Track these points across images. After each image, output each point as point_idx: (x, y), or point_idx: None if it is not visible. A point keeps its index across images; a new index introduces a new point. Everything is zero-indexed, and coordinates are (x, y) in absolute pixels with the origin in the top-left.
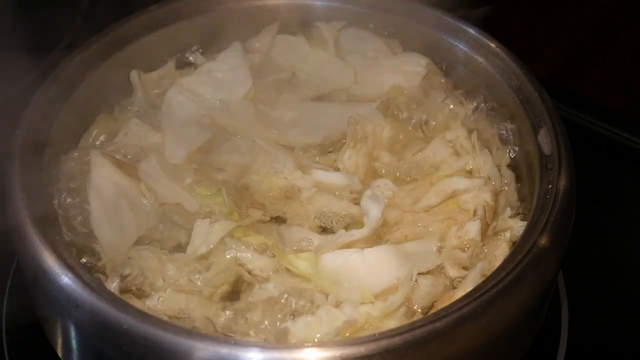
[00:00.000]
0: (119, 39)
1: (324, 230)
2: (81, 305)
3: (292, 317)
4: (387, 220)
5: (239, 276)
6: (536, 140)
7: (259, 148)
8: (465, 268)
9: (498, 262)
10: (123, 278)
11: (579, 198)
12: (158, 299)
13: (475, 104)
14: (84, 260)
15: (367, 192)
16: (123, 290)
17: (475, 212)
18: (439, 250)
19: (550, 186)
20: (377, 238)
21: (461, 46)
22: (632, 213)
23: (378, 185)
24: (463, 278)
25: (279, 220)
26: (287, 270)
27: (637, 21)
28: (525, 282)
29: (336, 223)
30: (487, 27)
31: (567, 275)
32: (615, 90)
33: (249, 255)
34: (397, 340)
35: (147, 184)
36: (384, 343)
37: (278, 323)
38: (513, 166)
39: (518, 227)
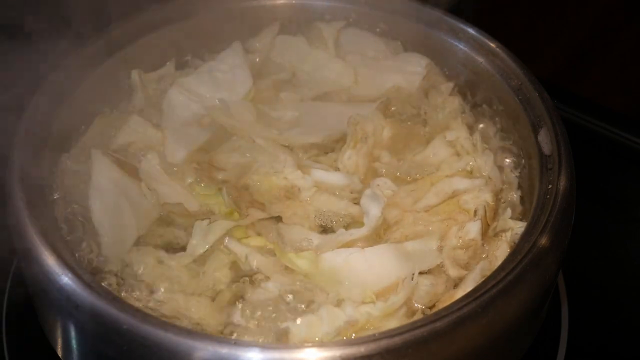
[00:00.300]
0: (119, 39)
1: (324, 230)
2: (81, 305)
3: (293, 316)
4: (387, 220)
5: (238, 276)
6: (536, 140)
7: (259, 148)
8: (465, 268)
9: (498, 262)
10: (123, 278)
11: (579, 198)
12: (158, 299)
13: (475, 104)
14: (84, 260)
15: (367, 192)
16: (122, 290)
17: (475, 212)
18: (440, 249)
19: (550, 186)
20: (377, 237)
21: (461, 46)
22: (632, 213)
23: (378, 185)
24: (463, 278)
25: (278, 220)
26: (288, 269)
27: (637, 21)
28: (525, 282)
29: (336, 223)
30: (487, 27)
31: (567, 275)
32: (615, 90)
33: (249, 254)
34: (397, 340)
35: (147, 184)
36: (384, 343)
37: (278, 322)
38: (513, 166)
39: (518, 227)
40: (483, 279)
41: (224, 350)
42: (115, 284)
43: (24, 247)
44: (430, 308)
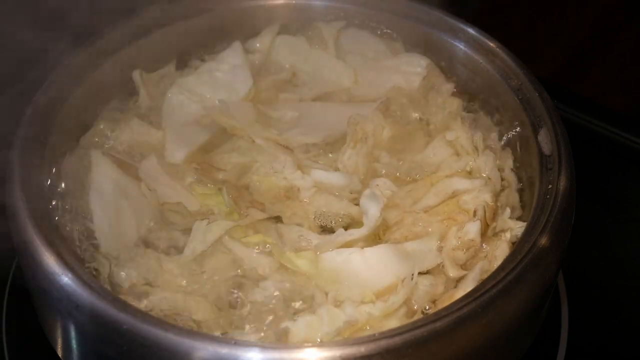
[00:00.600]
0: (119, 39)
1: (324, 230)
2: (81, 305)
3: (292, 316)
4: (387, 220)
5: (238, 275)
6: (536, 140)
7: (259, 148)
8: (465, 268)
9: (498, 262)
10: (122, 278)
11: (579, 198)
12: (157, 299)
13: (475, 104)
14: (83, 260)
15: (366, 192)
16: (122, 290)
17: (475, 212)
18: (439, 249)
19: (550, 186)
20: (376, 238)
21: (461, 46)
22: (632, 213)
23: (377, 185)
24: (463, 278)
25: (278, 220)
26: (287, 269)
27: (637, 21)
28: (525, 282)
29: (335, 223)
30: (487, 27)
31: (567, 275)
32: (615, 90)
33: (248, 254)
34: (397, 340)
35: (147, 184)
36: (384, 343)
37: (278, 322)
38: (513, 166)
39: (518, 227)
40: (483, 279)
41: (224, 350)
42: (116, 284)
43: (23, 247)
44: (430, 308)
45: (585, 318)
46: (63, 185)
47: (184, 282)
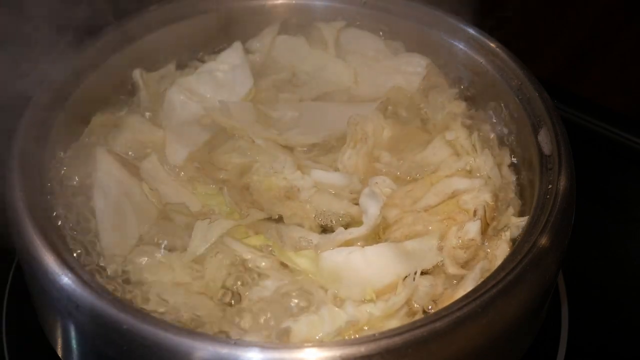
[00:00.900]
0: (119, 39)
1: (324, 230)
2: (81, 305)
3: (293, 315)
4: (387, 219)
5: (238, 275)
6: (536, 140)
7: (259, 148)
8: (465, 267)
9: (498, 262)
10: (123, 277)
11: (579, 198)
12: (158, 299)
13: (475, 104)
14: (84, 259)
15: (366, 190)
16: (123, 290)
17: (475, 212)
18: (440, 248)
19: (550, 186)
20: (376, 237)
21: (461, 46)
22: (632, 213)
23: (376, 183)
24: (463, 277)
25: (278, 220)
26: (287, 268)
27: (637, 21)
28: (525, 282)
29: (335, 223)
30: (487, 27)
31: (567, 275)
32: (615, 90)
33: (249, 253)
34: (397, 340)
35: (149, 184)
36: (384, 343)
37: (279, 322)
38: (513, 166)
39: (519, 222)
40: (483, 279)
41: (224, 350)
42: (116, 284)
43: (24, 247)
44: (431, 308)
45: (585, 318)
46: (63, 184)
47: (184, 281)
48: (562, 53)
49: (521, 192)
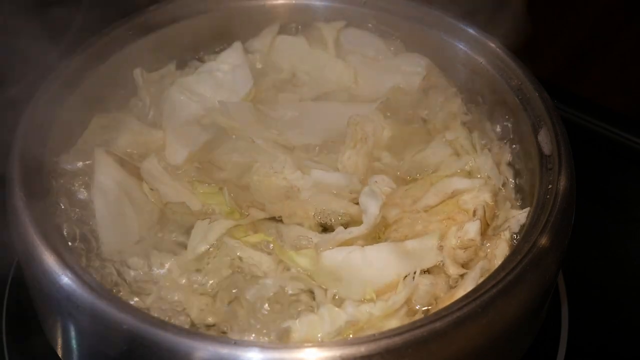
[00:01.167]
0: (119, 39)
1: (324, 229)
2: (81, 305)
3: (293, 315)
4: (387, 219)
5: (238, 274)
6: (536, 140)
7: (259, 148)
8: (465, 267)
9: (498, 262)
10: (124, 277)
11: (579, 198)
12: (158, 298)
13: (475, 104)
14: (84, 259)
15: (365, 189)
16: (123, 290)
17: (475, 212)
18: (440, 248)
19: (550, 186)
20: (376, 237)
21: (461, 46)
22: (632, 213)
23: (376, 181)
24: (463, 277)
25: (278, 219)
26: (287, 267)
27: (637, 21)
28: (525, 282)
29: (335, 222)
30: (487, 27)
31: (567, 275)
32: (615, 90)
33: (249, 252)
34: (397, 340)
35: (149, 183)
36: (384, 343)
37: (279, 321)
38: (513, 166)
39: (519, 214)
40: (483, 279)
41: (224, 350)
42: (116, 284)
43: (24, 247)
44: (430, 308)
45: (585, 318)
46: (62, 184)
47: (184, 281)
48: (562, 53)
49: (521, 192)
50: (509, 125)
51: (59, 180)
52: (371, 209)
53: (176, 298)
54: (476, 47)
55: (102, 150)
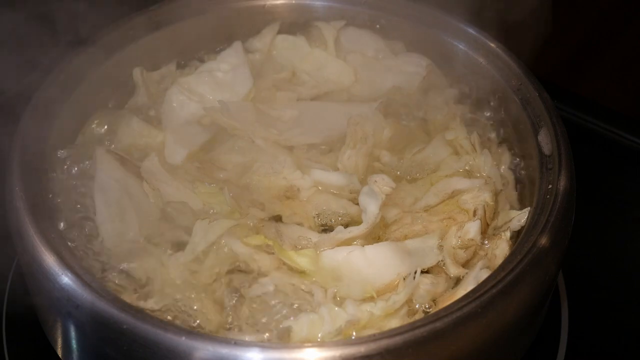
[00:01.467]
0: (119, 39)
1: (324, 229)
2: (81, 305)
3: (293, 314)
4: (387, 219)
5: (238, 274)
6: (536, 140)
7: (259, 148)
8: (465, 266)
9: (498, 262)
10: (123, 277)
11: (579, 198)
12: (158, 298)
13: (475, 104)
14: (84, 259)
15: (365, 189)
16: (123, 290)
17: (475, 212)
18: (440, 248)
19: (550, 186)
20: (376, 237)
21: (461, 46)
22: (632, 213)
23: (375, 181)
24: (463, 277)
25: (278, 219)
26: (287, 267)
27: (637, 21)
28: (525, 282)
29: (335, 222)
30: (487, 27)
31: (567, 275)
32: (615, 90)
33: (249, 252)
34: (397, 340)
35: (149, 183)
36: (384, 343)
37: (279, 321)
38: (513, 166)
39: (520, 214)
40: (483, 279)
41: (224, 350)
42: (116, 283)
43: (24, 247)
44: (431, 307)
45: (585, 318)
46: (63, 184)
47: (184, 281)
48: (562, 53)
49: (521, 192)
50: (509, 125)
51: (60, 180)
52: (371, 208)
53: (176, 297)
54: (476, 47)
55: (103, 150)
